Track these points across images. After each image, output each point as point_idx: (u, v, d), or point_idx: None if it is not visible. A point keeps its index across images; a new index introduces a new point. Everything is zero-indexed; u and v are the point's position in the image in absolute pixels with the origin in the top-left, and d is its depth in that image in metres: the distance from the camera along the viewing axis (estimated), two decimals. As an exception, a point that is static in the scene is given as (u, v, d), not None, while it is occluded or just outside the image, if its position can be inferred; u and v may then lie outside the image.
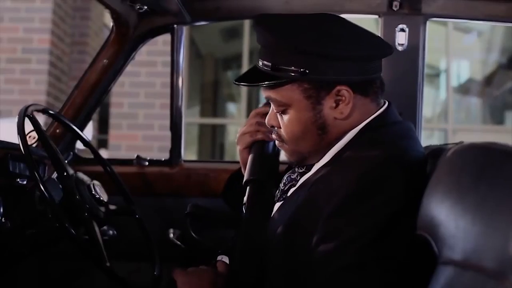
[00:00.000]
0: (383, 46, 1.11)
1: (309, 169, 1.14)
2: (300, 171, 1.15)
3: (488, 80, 7.80)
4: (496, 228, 0.73)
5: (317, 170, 1.10)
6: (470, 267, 0.75)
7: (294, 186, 1.14)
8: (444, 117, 7.29)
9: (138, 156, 1.90)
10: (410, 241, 0.91)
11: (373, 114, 1.09)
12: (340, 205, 0.95)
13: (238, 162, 1.34)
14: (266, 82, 1.08)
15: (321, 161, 1.12)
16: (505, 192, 0.75)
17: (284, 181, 1.17)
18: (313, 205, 1.01)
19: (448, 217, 0.82)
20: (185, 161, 1.92)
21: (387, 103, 1.12)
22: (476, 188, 0.80)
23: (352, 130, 1.09)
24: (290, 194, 1.12)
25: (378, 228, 0.92)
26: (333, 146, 1.10)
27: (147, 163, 1.89)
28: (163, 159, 1.91)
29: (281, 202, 1.13)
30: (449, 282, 0.79)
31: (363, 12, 1.67)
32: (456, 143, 0.98)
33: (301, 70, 1.03)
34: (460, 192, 0.82)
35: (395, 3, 1.62)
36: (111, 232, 1.65)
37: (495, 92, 7.83)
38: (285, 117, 1.10)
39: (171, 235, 1.78)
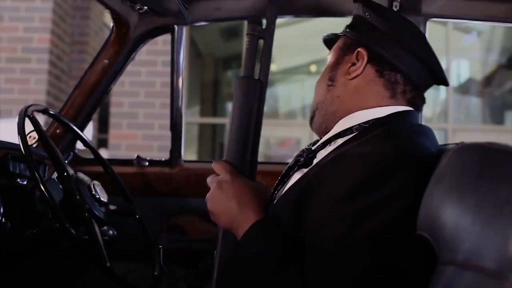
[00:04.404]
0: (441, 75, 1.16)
1: (315, 152, 1.15)
2: (310, 151, 1.16)
3: (488, 80, 7.80)
4: (496, 228, 0.73)
5: (327, 154, 1.09)
6: (470, 267, 0.75)
7: (301, 167, 1.15)
8: (444, 117, 7.29)
9: (138, 156, 1.91)
10: (411, 241, 0.90)
11: (382, 106, 1.11)
12: (349, 192, 0.93)
13: None
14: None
15: (329, 136, 1.13)
16: (505, 192, 0.75)
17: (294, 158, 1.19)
18: (321, 186, 0.98)
19: (448, 217, 0.82)
20: (185, 161, 1.92)
21: (411, 109, 1.14)
22: (476, 188, 0.80)
23: (360, 112, 1.11)
24: (301, 176, 1.10)
25: (384, 220, 0.91)
26: (338, 120, 1.13)
27: (147, 163, 1.90)
28: (163, 159, 1.92)
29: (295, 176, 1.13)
30: (449, 282, 0.79)
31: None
32: (456, 143, 0.98)
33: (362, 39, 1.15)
34: (460, 192, 0.82)
35: (395, 3, 1.62)
36: (111, 232, 1.65)
37: (495, 92, 7.84)
38: None
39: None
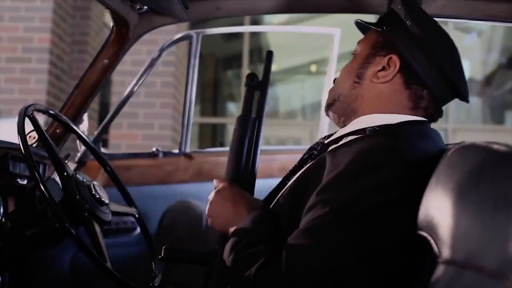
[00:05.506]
0: (464, 92, 1.15)
1: (328, 146, 1.16)
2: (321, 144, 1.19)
3: (488, 80, 7.81)
4: (496, 228, 0.73)
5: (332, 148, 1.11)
6: (470, 267, 0.75)
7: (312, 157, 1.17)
8: (444, 116, 7.24)
9: (156, 149, 2.19)
10: (410, 240, 0.91)
11: (399, 114, 1.12)
12: (333, 180, 0.97)
13: None
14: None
15: (343, 133, 1.14)
16: (505, 192, 0.75)
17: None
18: (316, 177, 1.03)
19: (448, 217, 0.82)
20: (194, 151, 2.21)
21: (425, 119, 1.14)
22: (476, 188, 0.80)
23: (376, 115, 1.12)
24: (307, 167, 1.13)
25: (363, 208, 0.93)
26: (356, 117, 1.14)
27: (162, 155, 2.18)
28: (176, 151, 2.22)
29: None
30: (449, 282, 0.79)
31: (363, 11, 1.67)
32: (456, 143, 0.98)
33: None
34: (460, 192, 0.82)
35: (395, 2, 1.62)
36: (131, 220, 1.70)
37: (495, 92, 7.84)
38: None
39: None
